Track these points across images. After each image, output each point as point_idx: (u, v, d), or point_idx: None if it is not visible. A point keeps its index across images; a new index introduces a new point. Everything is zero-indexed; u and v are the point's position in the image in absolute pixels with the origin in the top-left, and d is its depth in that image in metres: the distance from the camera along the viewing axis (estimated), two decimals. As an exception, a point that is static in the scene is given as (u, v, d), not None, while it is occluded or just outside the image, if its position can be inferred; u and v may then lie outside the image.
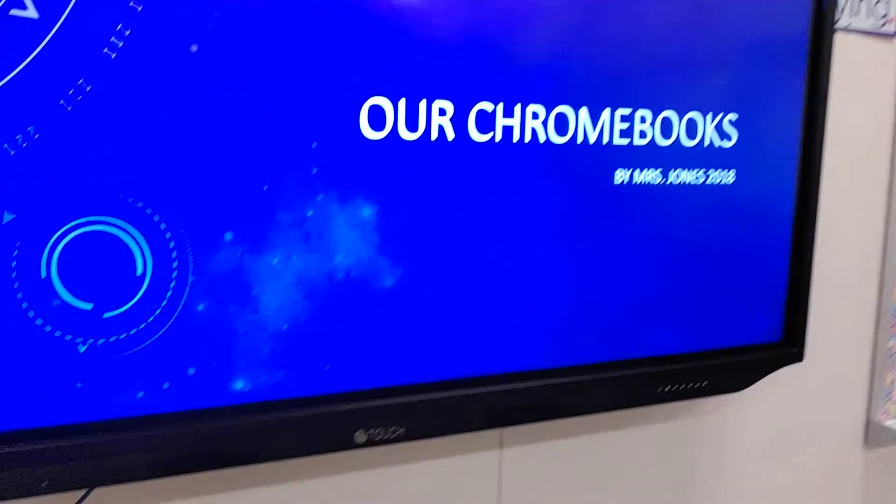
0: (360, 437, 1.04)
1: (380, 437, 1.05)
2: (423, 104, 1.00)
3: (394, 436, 1.06)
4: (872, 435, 1.65)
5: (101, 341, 0.89)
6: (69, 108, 0.84)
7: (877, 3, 1.46)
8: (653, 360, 1.22)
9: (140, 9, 0.85)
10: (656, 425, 1.42)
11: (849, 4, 1.44)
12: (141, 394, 0.91)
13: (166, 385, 0.92)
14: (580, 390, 1.16)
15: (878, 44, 1.50)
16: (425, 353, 1.06)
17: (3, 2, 0.80)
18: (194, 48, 0.88)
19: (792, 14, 1.27)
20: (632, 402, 1.25)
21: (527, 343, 1.13)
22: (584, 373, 1.16)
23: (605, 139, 1.13)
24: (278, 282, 0.96)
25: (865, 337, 1.62)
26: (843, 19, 1.43)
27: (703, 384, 1.26)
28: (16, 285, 0.84)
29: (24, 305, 0.85)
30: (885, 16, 1.47)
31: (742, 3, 1.21)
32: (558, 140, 1.10)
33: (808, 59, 1.29)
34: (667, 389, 1.23)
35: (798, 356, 1.35)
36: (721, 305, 1.27)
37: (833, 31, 1.30)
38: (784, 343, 1.34)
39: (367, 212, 0.99)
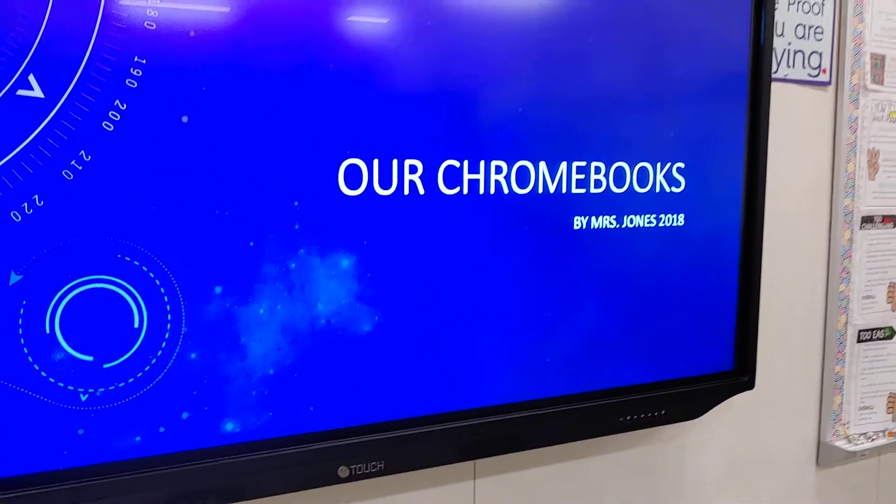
0: (343, 472, 1.11)
1: (361, 471, 1.12)
2: (395, 163, 1.09)
3: (374, 470, 1.13)
4: (824, 455, 1.75)
5: (101, 390, 0.96)
6: (71, 177, 0.91)
7: (811, 54, 1.59)
8: (613, 392, 1.31)
9: (135, 85, 0.93)
10: (620, 452, 1.51)
11: (785, 56, 1.56)
12: (138, 438, 0.98)
13: (162, 429, 0.99)
14: (546, 422, 1.24)
15: (814, 92, 1.62)
16: (402, 392, 1.14)
17: (11, 83, 0.88)
18: (185, 119, 0.97)
19: (731, 67, 1.38)
20: (595, 431, 1.34)
21: (496, 379, 1.21)
22: (549, 406, 1.25)
23: (564, 189, 1.23)
24: (264, 330, 1.04)
25: (813, 363, 1.72)
26: (781, 70, 1.55)
27: (661, 413, 1.35)
28: (22, 341, 0.91)
29: (30, 359, 0.92)
30: (818, 66, 1.60)
31: (683, 59, 1.32)
32: (520, 191, 1.19)
33: (748, 108, 1.40)
34: (627, 419, 1.32)
35: (749, 384, 1.45)
36: (675, 339, 1.36)
37: (770, 81, 1.41)
38: (736, 372, 1.44)
39: (345, 263, 1.08)
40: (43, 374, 0.93)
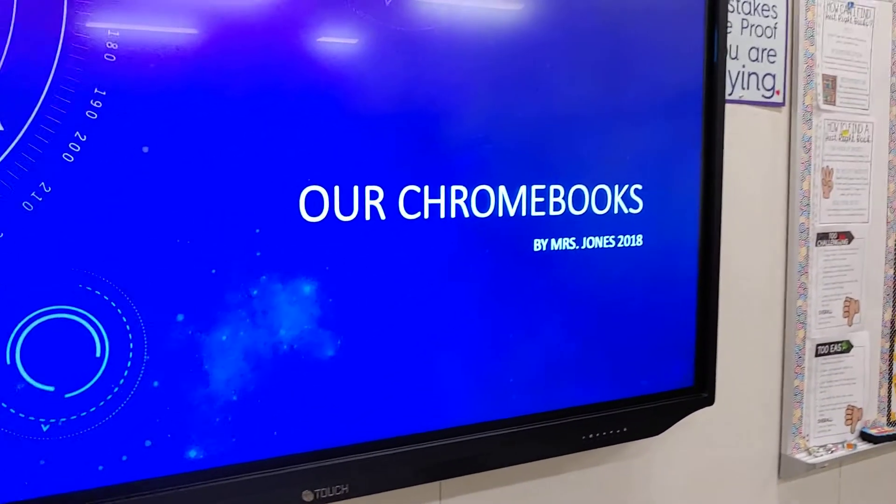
0: (307, 496, 1.12)
1: (325, 495, 1.13)
2: (356, 189, 1.11)
3: (338, 493, 1.14)
4: (785, 468, 1.78)
5: (62, 420, 0.96)
6: (31, 209, 0.92)
7: (765, 76, 1.63)
8: (575, 410, 1.32)
9: (95, 117, 0.94)
10: (585, 470, 1.53)
11: (740, 78, 1.60)
12: (101, 467, 0.98)
13: (125, 458, 1.00)
14: (510, 442, 1.26)
15: (769, 112, 1.67)
16: (365, 415, 1.15)
17: (-30, 116, 0.88)
18: (146, 149, 0.98)
19: (686, 89, 1.41)
20: (558, 450, 1.36)
21: (460, 401, 1.23)
22: (513, 425, 1.26)
23: (524, 212, 1.25)
24: (227, 356, 1.05)
25: (773, 377, 1.76)
26: (736, 92, 1.59)
27: (623, 430, 1.38)
28: (-18, 372, 0.92)
29: (-9, 390, 0.92)
30: (772, 88, 1.64)
31: (639, 83, 1.35)
32: (481, 215, 1.21)
33: (704, 130, 1.43)
34: (590, 436, 1.34)
35: (709, 400, 1.48)
36: (636, 357, 1.39)
37: (725, 102, 1.45)
38: (696, 388, 1.46)
39: (307, 288, 1.09)
40: (3, 404, 0.93)
